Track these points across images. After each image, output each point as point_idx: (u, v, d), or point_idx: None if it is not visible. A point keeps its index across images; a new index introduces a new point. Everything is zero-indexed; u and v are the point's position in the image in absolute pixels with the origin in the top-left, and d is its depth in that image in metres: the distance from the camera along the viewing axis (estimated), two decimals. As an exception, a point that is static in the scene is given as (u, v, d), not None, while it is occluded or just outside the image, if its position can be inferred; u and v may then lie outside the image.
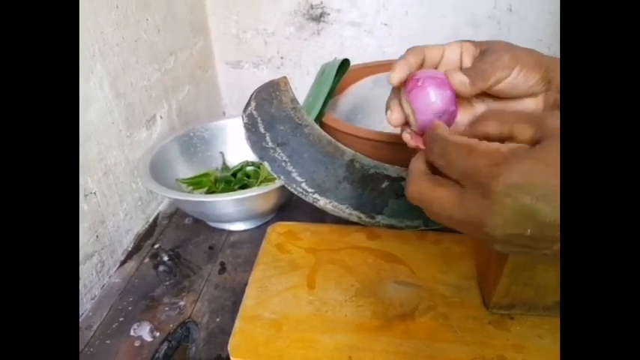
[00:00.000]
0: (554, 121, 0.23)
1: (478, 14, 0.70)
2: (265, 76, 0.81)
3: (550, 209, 0.21)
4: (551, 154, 0.22)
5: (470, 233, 0.25)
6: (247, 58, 0.80)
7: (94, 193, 0.47)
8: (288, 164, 0.36)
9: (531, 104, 0.33)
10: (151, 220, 0.58)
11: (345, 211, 0.37)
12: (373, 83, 0.61)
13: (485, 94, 0.32)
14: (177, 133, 0.60)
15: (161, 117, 0.61)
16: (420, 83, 0.30)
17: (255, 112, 0.35)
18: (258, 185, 0.58)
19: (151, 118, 0.58)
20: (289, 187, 0.36)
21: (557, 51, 0.71)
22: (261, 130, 0.35)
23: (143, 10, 0.56)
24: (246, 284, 0.45)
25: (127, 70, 0.52)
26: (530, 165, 0.22)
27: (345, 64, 0.58)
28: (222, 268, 0.50)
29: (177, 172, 0.59)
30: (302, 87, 0.82)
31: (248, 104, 0.36)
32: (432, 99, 0.29)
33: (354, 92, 0.63)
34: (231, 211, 0.51)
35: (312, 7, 0.73)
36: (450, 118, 0.30)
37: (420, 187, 0.26)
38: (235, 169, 0.64)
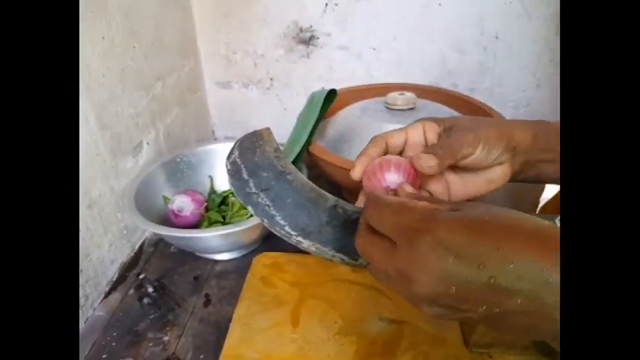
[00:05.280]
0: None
1: (465, 40, 0.70)
2: (255, 96, 0.82)
3: (471, 270, 0.21)
4: (472, 217, 0.23)
5: (402, 293, 0.25)
6: (237, 79, 0.80)
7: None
8: (272, 208, 0.36)
9: (499, 171, 0.35)
10: (136, 248, 0.58)
11: (328, 253, 0.37)
12: (360, 111, 0.62)
13: (454, 165, 0.34)
14: (163, 159, 0.60)
15: (148, 143, 0.61)
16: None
17: (238, 160, 0.35)
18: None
19: (137, 145, 0.58)
20: (273, 230, 0.36)
21: (542, 77, 0.71)
22: (245, 176, 0.35)
23: (130, 38, 0.56)
24: (230, 319, 0.45)
25: (112, 100, 0.52)
26: (455, 224, 0.23)
27: (332, 93, 0.58)
28: (207, 301, 0.50)
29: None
30: (292, 107, 0.82)
31: (231, 152, 0.36)
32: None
33: (342, 119, 0.63)
34: (217, 244, 0.51)
35: (301, 30, 0.73)
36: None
37: (364, 240, 0.27)
38: (225, 193, 0.64)
